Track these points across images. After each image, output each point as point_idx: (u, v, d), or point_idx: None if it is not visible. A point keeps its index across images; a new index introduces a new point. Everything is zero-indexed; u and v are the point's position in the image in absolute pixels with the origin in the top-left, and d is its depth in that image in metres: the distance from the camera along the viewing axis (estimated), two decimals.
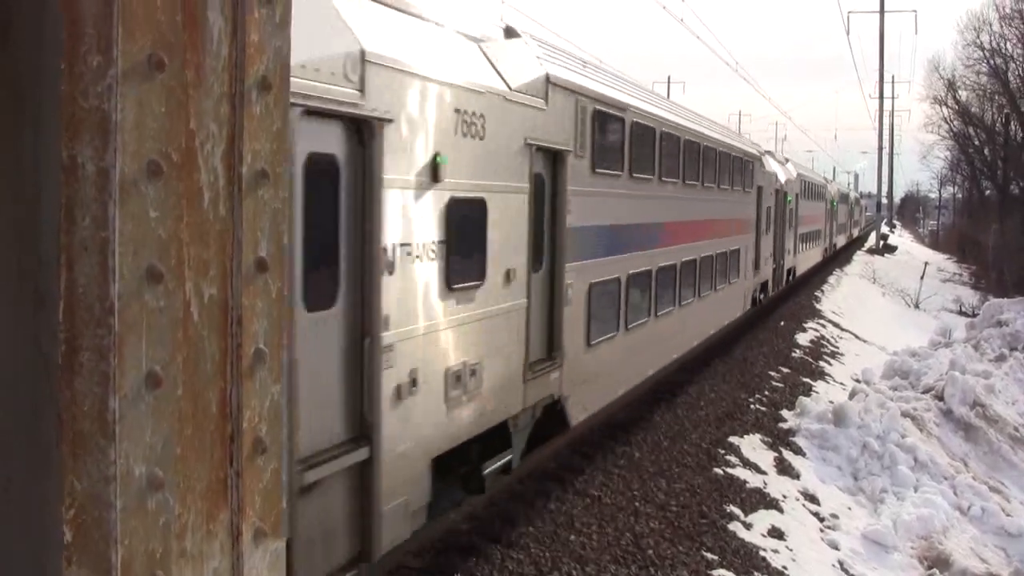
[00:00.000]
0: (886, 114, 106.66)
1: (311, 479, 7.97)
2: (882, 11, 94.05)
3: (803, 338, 34.35)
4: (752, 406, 22.17)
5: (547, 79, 12.81)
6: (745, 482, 16.77)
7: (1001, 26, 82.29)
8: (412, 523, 9.76)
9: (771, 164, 35.51)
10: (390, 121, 8.80)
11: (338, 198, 8.40)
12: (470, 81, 10.66)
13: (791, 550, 14.84)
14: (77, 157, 1.65)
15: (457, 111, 10.25)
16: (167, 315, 1.76)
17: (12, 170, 1.70)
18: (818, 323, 39.44)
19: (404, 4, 9.99)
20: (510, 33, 13.12)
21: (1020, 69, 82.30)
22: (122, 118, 1.66)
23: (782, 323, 35.84)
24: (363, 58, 8.44)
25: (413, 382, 9.48)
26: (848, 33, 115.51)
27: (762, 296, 34.35)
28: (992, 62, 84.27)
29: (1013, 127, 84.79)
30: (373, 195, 8.59)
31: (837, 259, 74.81)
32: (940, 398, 25.02)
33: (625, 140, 16.34)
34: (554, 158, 13.08)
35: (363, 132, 8.55)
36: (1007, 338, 36.91)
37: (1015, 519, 19.68)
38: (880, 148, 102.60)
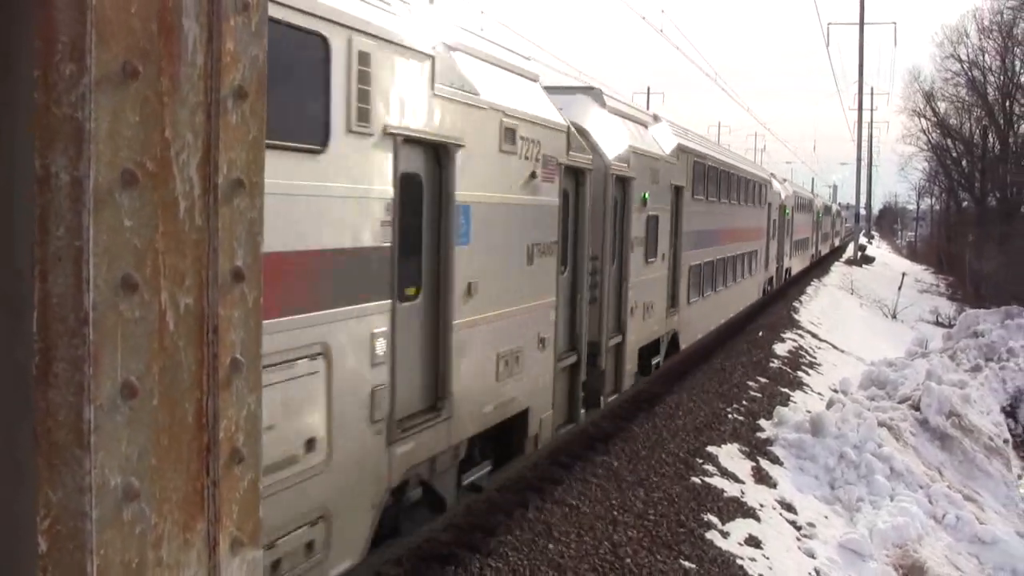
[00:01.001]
0: (865, 126, 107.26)
1: (609, 344, 17.62)
2: (862, 23, 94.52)
3: (781, 348, 34.44)
4: (730, 416, 22.23)
5: (679, 147, 22.87)
6: (723, 491, 16.80)
7: (980, 38, 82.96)
8: (632, 380, 19.93)
9: (775, 185, 46.83)
10: (634, 178, 18.35)
11: (616, 214, 17.55)
12: (653, 152, 20.46)
13: (768, 558, 14.88)
14: (51, 167, 1.64)
15: (651, 169, 19.86)
16: (143, 325, 1.75)
17: None
18: (796, 333, 39.55)
19: (628, 114, 19.99)
20: (656, 118, 23.37)
21: (998, 81, 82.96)
22: (96, 127, 1.65)
23: (760, 333, 35.94)
24: (632, 151, 18.26)
25: (635, 306, 19.04)
26: (828, 45, 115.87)
27: (769, 287, 45.76)
28: (970, 74, 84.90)
29: (991, 139, 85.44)
30: (630, 213, 18.17)
31: (819, 265, 76.25)
32: (916, 408, 25.14)
33: (705, 176, 26.29)
34: (677, 191, 22.68)
35: (626, 185, 18.10)
36: (983, 349, 37.12)
37: (989, 527, 19.80)
38: (859, 159, 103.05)
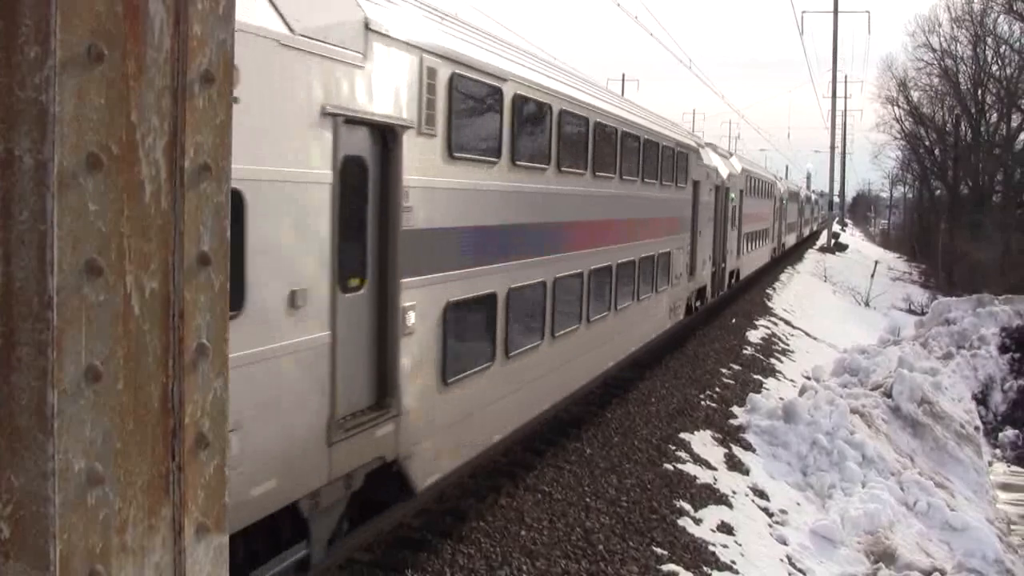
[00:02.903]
0: (839, 114, 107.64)
1: (720, 266, 36.48)
2: (836, 11, 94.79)
3: (754, 335, 34.61)
4: (703, 402, 22.31)
5: (743, 169, 43.03)
6: (695, 478, 16.87)
7: (951, 28, 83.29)
8: (725, 289, 38.10)
9: (779, 183, 66.31)
10: (730, 188, 36.62)
11: (718, 204, 34.31)
12: (734, 173, 38.98)
13: (740, 545, 14.96)
14: (14, 150, 1.62)
15: (733, 181, 37.91)
16: (107, 309, 1.74)
17: None
18: (769, 320, 39.75)
19: (723, 153, 41.71)
20: (731, 153, 48.63)
21: (970, 71, 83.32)
22: (60, 110, 1.64)
23: (734, 320, 36.10)
24: (729, 174, 36.65)
25: (727, 250, 37.31)
26: (802, 33, 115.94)
27: (774, 254, 62.18)
28: (943, 64, 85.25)
29: (963, 128, 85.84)
30: (727, 205, 36.20)
31: (800, 246, 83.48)
32: (888, 395, 25.31)
33: (751, 183, 45.42)
34: (741, 192, 40.58)
35: (727, 191, 36.10)
36: (954, 336, 37.38)
37: (959, 514, 19.95)
38: (832, 147, 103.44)
